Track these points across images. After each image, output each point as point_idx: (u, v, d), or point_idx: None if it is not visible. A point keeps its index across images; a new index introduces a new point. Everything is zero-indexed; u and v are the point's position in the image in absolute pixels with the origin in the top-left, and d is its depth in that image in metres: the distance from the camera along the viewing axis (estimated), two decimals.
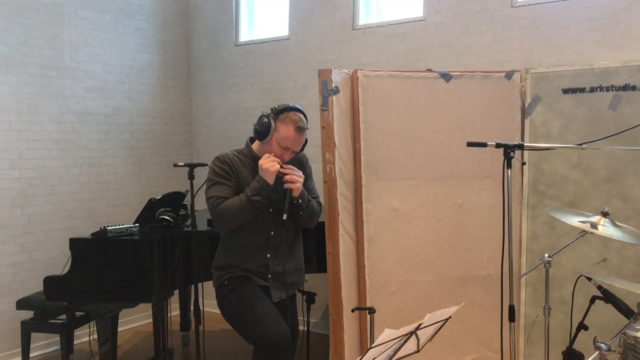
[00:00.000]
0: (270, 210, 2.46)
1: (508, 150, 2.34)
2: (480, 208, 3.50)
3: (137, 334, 4.78)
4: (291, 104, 2.45)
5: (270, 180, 2.35)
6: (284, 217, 2.37)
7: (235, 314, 2.45)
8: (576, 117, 3.35)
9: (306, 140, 2.50)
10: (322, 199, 3.29)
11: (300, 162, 2.60)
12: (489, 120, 3.48)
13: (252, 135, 2.53)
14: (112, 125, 4.83)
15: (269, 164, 2.33)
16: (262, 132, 2.39)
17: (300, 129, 2.39)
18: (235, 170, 2.42)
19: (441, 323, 1.91)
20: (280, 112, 2.40)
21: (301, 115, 2.43)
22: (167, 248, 3.37)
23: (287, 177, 2.39)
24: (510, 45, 3.87)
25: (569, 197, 3.37)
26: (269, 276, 2.47)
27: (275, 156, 2.39)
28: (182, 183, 4.84)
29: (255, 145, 2.51)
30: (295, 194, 2.40)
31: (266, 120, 2.38)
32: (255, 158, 2.45)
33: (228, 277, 2.48)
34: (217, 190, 2.38)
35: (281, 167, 2.39)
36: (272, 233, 2.47)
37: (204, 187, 2.53)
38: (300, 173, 2.44)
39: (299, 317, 2.85)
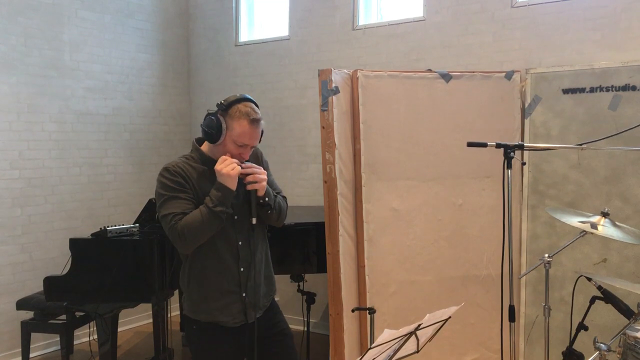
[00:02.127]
0: (235, 217, 2.16)
1: (508, 151, 2.34)
2: (480, 208, 3.50)
3: (137, 334, 4.78)
4: (238, 95, 2.13)
5: (233, 185, 2.07)
6: (254, 221, 2.13)
7: None
8: (576, 117, 3.35)
9: (262, 132, 2.18)
10: (321, 200, 3.30)
11: (255, 156, 2.30)
12: (489, 121, 3.48)
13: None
14: (112, 125, 4.83)
15: (228, 168, 2.05)
16: (213, 133, 2.08)
17: (255, 122, 2.08)
18: (189, 180, 2.11)
19: (441, 323, 1.91)
20: (228, 107, 2.08)
21: (252, 105, 2.11)
22: (167, 248, 3.37)
23: (249, 178, 2.12)
24: (510, 45, 3.87)
25: (569, 197, 3.37)
26: (243, 294, 2.17)
27: (232, 156, 2.11)
28: None
29: (206, 147, 2.19)
30: (261, 193, 2.15)
31: (214, 119, 2.07)
32: (209, 162, 2.15)
33: (196, 322, 2.19)
34: (172, 206, 2.06)
35: (241, 167, 2.12)
36: (240, 243, 2.17)
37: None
38: (262, 169, 2.17)
39: (298, 317, 2.82)
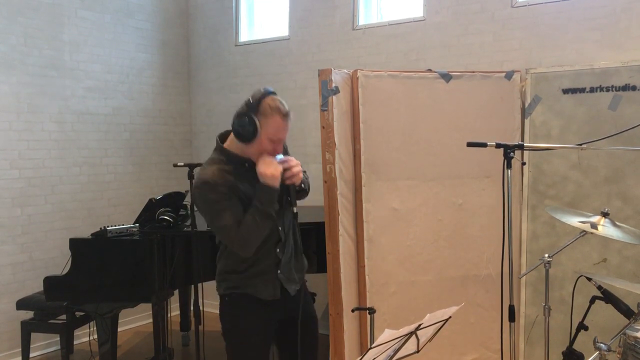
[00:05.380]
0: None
1: (508, 151, 2.34)
2: (480, 208, 3.50)
3: (137, 334, 4.78)
4: (262, 89, 2.11)
5: (277, 184, 2.11)
6: (295, 210, 2.18)
7: (228, 341, 2.30)
8: (576, 117, 3.35)
9: None
10: (322, 200, 3.29)
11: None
12: (488, 120, 3.48)
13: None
14: (112, 125, 4.83)
15: (272, 170, 2.08)
16: (249, 134, 2.07)
17: (287, 115, 2.10)
18: (230, 187, 2.12)
19: (441, 323, 1.91)
20: (257, 103, 2.07)
21: (278, 98, 2.12)
22: (167, 248, 3.37)
23: (287, 174, 2.14)
24: (510, 45, 3.87)
25: (569, 197, 3.37)
26: (279, 272, 2.24)
27: (268, 153, 2.13)
28: (182, 183, 4.83)
29: (232, 145, 2.18)
30: (298, 182, 2.19)
31: (247, 118, 2.06)
32: (239, 160, 2.17)
33: (229, 294, 2.26)
34: (225, 218, 2.07)
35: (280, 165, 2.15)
36: (280, 229, 2.25)
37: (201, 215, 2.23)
38: (294, 160, 2.19)
39: None
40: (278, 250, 2.25)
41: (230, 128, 2.17)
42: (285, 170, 2.14)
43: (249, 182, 2.14)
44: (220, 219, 2.09)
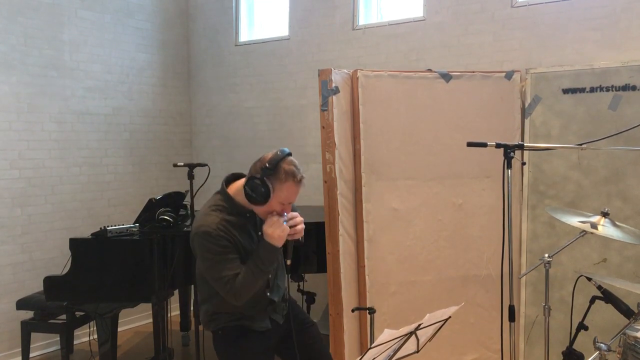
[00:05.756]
0: None
1: (508, 150, 2.34)
2: (480, 208, 3.50)
3: (137, 334, 4.78)
4: (278, 152, 2.12)
5: (281, 244, 2.13)
6: (288, 262, 2.22)
7: None
8: (576, 117, 3.35)
9: None
10: (322, 200, 3.30)
11: None
12: (489, 120, 3.48)
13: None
14: (112, 125, 4.83)
15: (280, 232, 2.10)
16: (262, 198, 2.07)
17: (301, 182, 2.13)
18: (232, 239, 2.12)
19: (441, 323, 1.91)
20: (273, 169, 2.07)
21: (293, 161, 2.13)
22: (167, 248, 3.37)
23: (291, 231, 2.16)
24: (510, 45, 3.87)
25: (569, 197, 3.37)
26: (267, 308, 2.28)
27: (276, 213, 2.15)
28: (182, 183, 4.83)
29: (238, 194, 2.17)
30: (299, 237, 2.22)
31: (260, 183, 2.06)
32: (243, 213, 2.18)
33: (222, 328, 2.26)
34: (224, 268, 2.08)
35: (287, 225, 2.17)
36: (270, 276, 2.26)
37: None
38: (300, 217, 2.21)
39: None
40: (268, 294, 2.26)
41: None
42: (289, 226, 2.16)
43: (248, 234, 2.17)
44: (219, 270, 2.09)
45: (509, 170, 2.34)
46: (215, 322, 2.27)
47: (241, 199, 2.15)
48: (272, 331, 2.29)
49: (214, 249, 2.08)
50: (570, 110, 3.36)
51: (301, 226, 2.19)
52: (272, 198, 2.09)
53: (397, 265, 3.41)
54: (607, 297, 2.38)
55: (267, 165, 2.08)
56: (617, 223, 2.54)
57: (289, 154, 2.14)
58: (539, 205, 3.45)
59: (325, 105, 3.23)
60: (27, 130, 4.22)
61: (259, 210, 2.16)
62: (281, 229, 2.10)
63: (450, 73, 3.49)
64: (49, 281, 3.31)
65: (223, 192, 2.20)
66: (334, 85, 3.24)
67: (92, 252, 3.30)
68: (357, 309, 3.14)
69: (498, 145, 2.35)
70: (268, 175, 2.07)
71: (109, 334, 3.41)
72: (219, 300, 2.20)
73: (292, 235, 2.17)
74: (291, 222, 2.16)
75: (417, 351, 1.89)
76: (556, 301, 3.35)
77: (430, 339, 1.95)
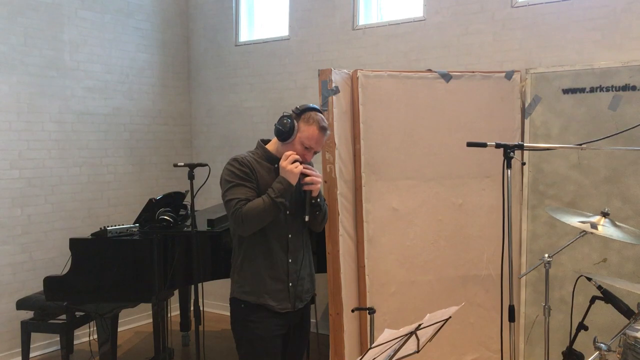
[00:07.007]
0: (288, 212, 2.38)
1: (508, 150, 2.34)
2: (480, 208, 3.50)
3: (137, 334, 4.78)
4: (311, 105, 2.38)
5: (294, 181, 2.30)
6: (307, 218, 2.33)
7: (242, 349, 2.41)
8: (576, 117, 3.35)
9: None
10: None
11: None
12: (489, 120, 3.48)
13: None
14: (112, 125, 4.83)
15: (292, 166, 2.28)
16: (286, 132, 2.32)
17: (324, 129, 2.34)
18: (255, 172, 2.34)
19: (441, 323, 1.91)
20: (302, 112, 2.34)
21: (322, 116, 2.37)
22: (167, 248, 3.37)
23: (307, 179, 2.33)
24: (510, 45, 3.87)
25: (569, 197, 3.37)
26: (290, 284, 2.37)
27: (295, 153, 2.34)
28: (182, 183, 4.84)
29: (272, 146, 2.43)
30: (315, 194, 2.36)
31: (289, 120, 2.32)
32: (272, 159, 2.39)
33: (245, 302, 2.38)
34: (238, 192, 2.28)
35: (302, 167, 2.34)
36: (290, 236, 2.39)
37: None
38: (319, 173, 2.39)
39: None
40: (290, 260, 2.38)
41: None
42: (305, 175, 2.33)
43: (272, 179, 2.34)
44: (232, 192, 2.28)
45: (509, 170, 2.34)
46: (244, 294, 2.37)
47: (274, 148, 2.41)
48: (290, 314, 2.40)
49: (235, 173, 2.30)
50: (570, 110, 3.37)
51: (318, 179, 2.35)
52: (295, 136, 2.32)
53: (397, 265, 3.41)
54: (607, 297, 2.38)
55: (298, 107, 2.36)
56: (617, 223, 2.54)
57: (321, 112, 2.39)
58: (539, 205, 3.45)
59: (325, 105, 3.23)
60: (27, 130, 4.22)
61: (284, 151, 2.34)
62: (295, 164, 2.29)
63: (450, 73, 3.49)
64: (49, 281, 3.30)
65: (258, 144, 2.48)
66: (334, 85, 3.24)
67: (92, 252, 3.30)
68: (357, 309, 3.14)
69: (498, 145, 2.35)
70: (296, 116, 2.34)
71: (109, 334, 3.41)
72: (244, 259, 2.37)
73: (308, 185, 2.33)
74: (307, 171, 2.34)
75: (418, 351, 1.89)
76: (556, 301, 3.35)
77: (430, 339, 1.95)
